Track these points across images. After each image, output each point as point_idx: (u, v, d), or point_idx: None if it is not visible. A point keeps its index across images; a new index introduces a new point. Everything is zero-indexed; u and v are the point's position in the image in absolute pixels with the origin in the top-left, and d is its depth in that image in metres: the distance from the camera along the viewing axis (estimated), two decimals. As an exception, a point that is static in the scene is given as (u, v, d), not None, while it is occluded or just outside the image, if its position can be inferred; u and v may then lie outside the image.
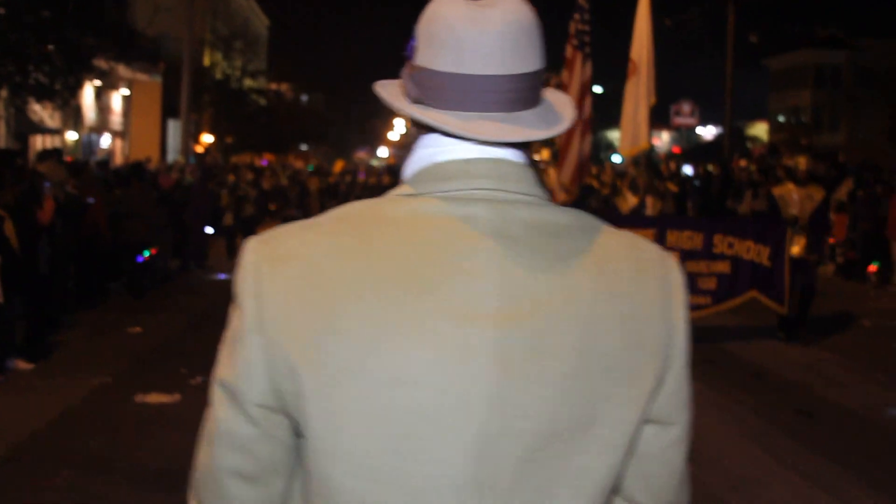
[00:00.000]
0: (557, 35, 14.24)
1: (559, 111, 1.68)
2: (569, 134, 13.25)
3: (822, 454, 7.72)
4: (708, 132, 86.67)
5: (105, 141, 36.56)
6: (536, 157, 26.80)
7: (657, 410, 1.65)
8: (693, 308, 11.00)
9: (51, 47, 18.84)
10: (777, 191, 12.71)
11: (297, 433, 1.57)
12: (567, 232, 1.60)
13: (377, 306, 1.49)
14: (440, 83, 1.59)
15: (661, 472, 1.71)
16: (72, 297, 13.93)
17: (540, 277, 1.55)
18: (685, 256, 11.72)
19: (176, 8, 32.40)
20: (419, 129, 1.66)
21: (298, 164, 55.38)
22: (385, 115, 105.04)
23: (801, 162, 13.07)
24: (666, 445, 1.70)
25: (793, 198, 12.27)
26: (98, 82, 30.45)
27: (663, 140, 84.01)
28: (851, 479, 7.10)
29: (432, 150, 1.63)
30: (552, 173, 13.92)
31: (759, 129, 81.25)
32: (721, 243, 11.92)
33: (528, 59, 1.60)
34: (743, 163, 33.53)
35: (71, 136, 31.35)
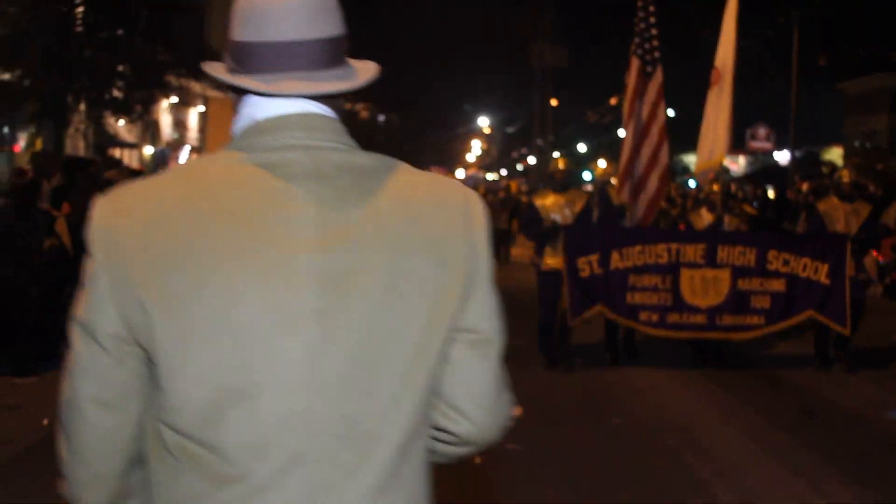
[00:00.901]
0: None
1: (359, 73, 1.96)
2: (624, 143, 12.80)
3: (813, 449, 8.21)
4: (784, 156, 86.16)
5: (183, 155, 37.72)
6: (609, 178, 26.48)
7: (467, 321, 1.89)
8: (746, 328, 11.34)
9: (122, 66, 19.78)
10: (822, 206, 12.18)
11: (149, 361, 1.78)
12: (374, 172, 1.87)
13: (211, 241, 1.74)
14: (248, 52, 1.86)
15: (475, 376, 1.93)
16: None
17: (352, 209, 1.81)
18: (737, 273, 11.31)
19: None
20: (238, 93, 1.93)
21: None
22: (464, 135, 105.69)
23: (845, 175, 12.63)
24: (477, 352, 1.92)
25: (838, 213, 11.81)
26: (175, 98, 31.52)
27: (740, 164, 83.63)
28: (834, 472, 7.58)
29: (251, 110, 1.90)
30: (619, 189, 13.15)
31: (835, 154, 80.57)
32: (776, 260, 11.35)
33: (324, 27, 1.88)
34: (805, 186, 33.53)
35: (148, 150, 32.47)
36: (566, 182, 11.85)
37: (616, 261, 11.24)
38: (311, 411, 1.76)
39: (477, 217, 1.93)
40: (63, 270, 10.21)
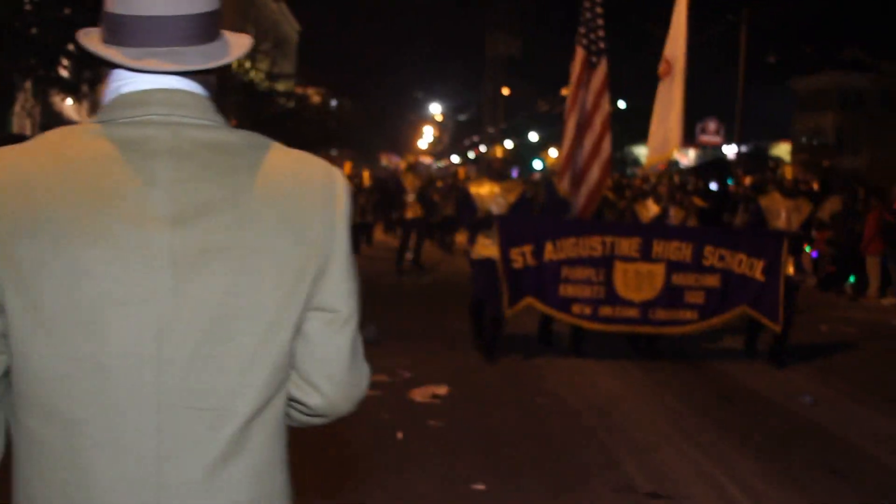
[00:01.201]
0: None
1: (230, 49, 1.98)
2: (569, 139, 12.41)
3: (725, 430, 8.55)
4: (732, 150, 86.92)
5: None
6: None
7: (322, 299, 1.93)
8: (679, 323, 11.28)
9: (69, 45, 19.79)
10: (764, 201, 12.00)
11: (2, 333, 1.80)
12: (236, 149, 1.88)
13: (65, 213, 1.76)
14: (118, 24, 1.86)
15: (329, 353, 1.97)
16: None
17: (209, 186, 1.83)
18: (672, 268, 11.21)
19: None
20: (108, 66, 1.92)
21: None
22: (415, 122, 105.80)
23: (788, 171, 12.45)
24: (331, 330, 1.96)
25: (779, 209, 11.65)
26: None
27: (689, 157, 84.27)
28: (742, 451, 7.92)
29: (118, 84, 1.91)
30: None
31: (783, 150, 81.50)
32: (712, 255, 11.25)
33: (194, 3, 1.89)
34: (748, 180, 33.96)
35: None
36: (503, 171, 11.78)
37: (549, 252, 11.10)
38: (160, 384, 1.80)
39: (338, 197, 1.96)
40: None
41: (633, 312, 11.18)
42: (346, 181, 2.01)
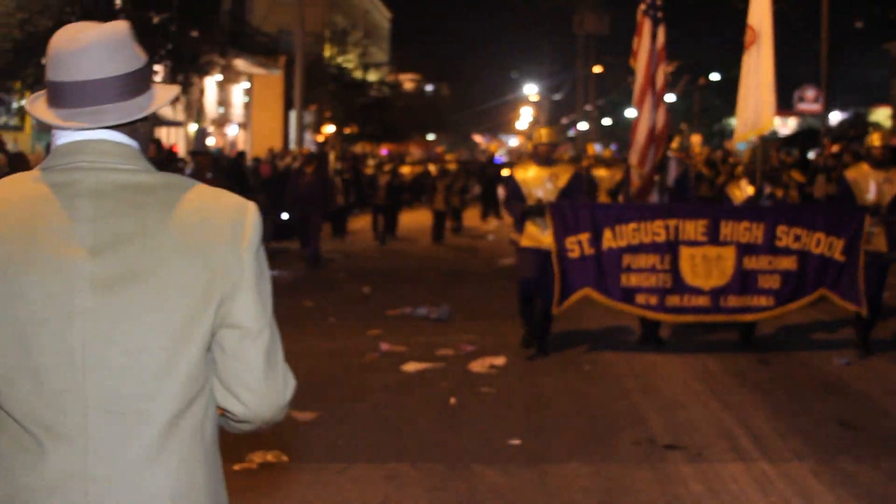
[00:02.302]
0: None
1: (154, 101, 2.30)
2: (637, 107, 11.70)
3: (753, 390, 9.31)
4: (834, 118, 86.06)
5: (231, 132, 38.95)
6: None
7: (233, 318, 2.22)
8: (753, 310, 10.72)
9: (161, 50, 20.94)
10: (850, 174, 11.18)
11: None
12: (151, 189, 2.21)
13: (6, 246, 2.13)
14: (53, 89, 2.23)
15: (244, 365, 2.25)
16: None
17: (124, 221, 2.16)
18: (743, 251, 10.57)
19: (294, 3, 34.29)
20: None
21: (416, 152, 57.69)
22: (512, 103, 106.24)
23: (876, 139, 11.24)
24: (244, 345, 2.24)
25: (868, 182, 10.78)
26: (219, 76, 32.70)
27: (790, 126, 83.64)
28: (763, 408, 8.68)
29: (58, 137, 2.27)
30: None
31: (882, 115, 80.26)
32: (786, 236, 10.57)
33: (118, 65, 2.21)
34: (835, 148, 33.84)
35: (193, 127, 33.74)
36: (550, 154, 11.06)
37: (609, 240, 10.54)
38: (86, 390, 2.13)
39: (247, 230, 2.25)
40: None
41: (702, 300, 10.63)
42: (257, 216, 2.31)
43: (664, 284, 10.60)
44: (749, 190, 11.60)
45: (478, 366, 10.20)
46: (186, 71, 21.92)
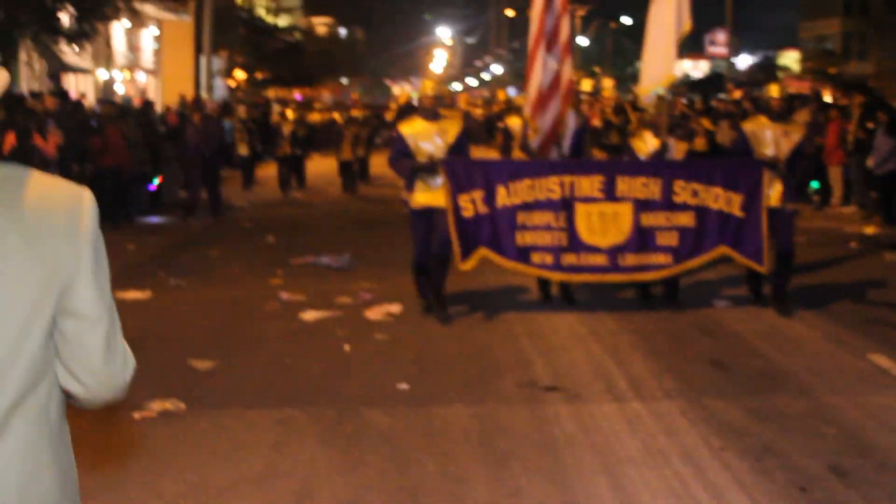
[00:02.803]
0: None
1: None
2: (530, 59, 11.16)
3: (633, 333, 9.83)
4: (743, 61, 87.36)
5: (140, 78, 38.73)
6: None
7: (72, 306, 2.24)
8: (652, 268, 10.51)
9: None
10: (748, 126, 11.04)
11: None
12: None
13: None
14: None
15: (84, 350, 2.28)
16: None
17: None
18: (640, 207, 10.37)
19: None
20: None
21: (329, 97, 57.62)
22: (427, 45, 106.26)
23: (774, 90, 11.30)
24: (83, 331, 2.27)
25: (766, 135, 10.65)
26: (127, 22, 32.52)
27: (701, 69, 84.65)
28: (642, 350, 9.19)
29: None
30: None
31: (790, 59, 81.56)
32: (683, 191, 10.37)
33: None
34: (738, 93, 34.52)
35: (102, 74, 33.54)
36: (435, 109, 10.57)
37: (503, 197, 10.28)
38: None
39: (83, 219, 2.27)
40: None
41: (600, 259, 10.41)
42: (93, 203, 2.33)
43: (560, 243, 10.34)
44: (654, 143, 11.10)
45: (374, 313, 10.58)
46: (90, 18, 21.88)
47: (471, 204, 10.23)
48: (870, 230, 17.17)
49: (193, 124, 18.83)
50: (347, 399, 7.76)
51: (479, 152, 28.75)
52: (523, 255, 10.42)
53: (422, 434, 7.00)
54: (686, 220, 10.42)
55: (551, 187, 10.33)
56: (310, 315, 10.51)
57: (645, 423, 7.24)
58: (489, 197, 10.26)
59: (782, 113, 11.05)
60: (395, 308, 10.76)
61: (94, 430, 6.94)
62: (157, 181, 19.14)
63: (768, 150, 10.57)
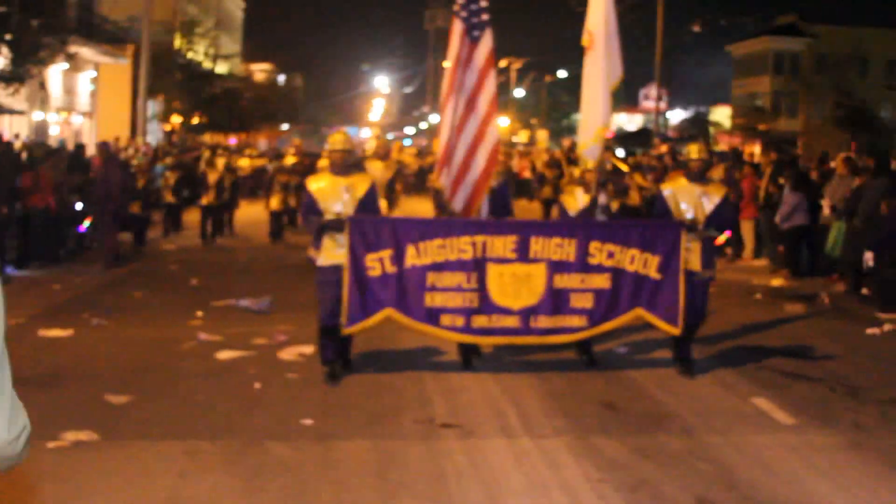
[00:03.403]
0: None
1: None
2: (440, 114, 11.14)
3: (531, 374, 10.33)
4: (677, 116, 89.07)
5: (76, 121, 38.90)
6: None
7: None
8: (565, 331, 10.30)
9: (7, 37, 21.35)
10: (667, 188, 10.95)
11: None
12: None
13: None
14: None
15: None
16: (9, 259, 16.57)
17: None
18: (554, 269, 10.14)
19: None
20: None
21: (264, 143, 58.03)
22: (366, 94, 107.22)
23: (693, 151, 11.01)
24: None
25: (685, 196, 10.62)
26: (65, 65, 32.79)
27: (636, 123, 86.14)
28: (539, 391, 9.71)
29: None
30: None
31: (721, 114, 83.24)
32: (599, 252, 10.18)
33: None
34: (664, 148, 35.25)
35: (37, 115, 33.74)
36: (345, 162, 10.17)
37: (412, 257, 9.97)
38: None
39: None
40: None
41: (511, 321, 10.15)
42: None
43: (471, 304, 10.06)
44: (584, 199, 10.97)
45: (287, 354, 11.03)
46: (25, 62, 22.23)
47: (378, 263, 9.92)
48: (776, 282, 17.82)
49: (97, 169, 18.54)
50: (253, 432, 8.19)
51: (412, 203, 29.56)
52: (432, 316, 10.06)
53: (321, 465, 7.45)
54: (601, 281, 10.23)
55: (463, 247, 10.05)
56: (225, 354, 10.93)
57: (531, 457, 7.75)
58: (398, 256, 9.96)
59: (701, 173, 10.88)
60: (308, 349, 11.16)
61: (8, 457, 7.33)
62: (86, 223, 19.38)
63: (688, 213, 10.49)
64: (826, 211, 18.54)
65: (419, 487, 7.01)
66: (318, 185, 10.18)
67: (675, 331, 10.36)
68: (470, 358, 10.76)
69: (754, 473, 7.50)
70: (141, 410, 8.78)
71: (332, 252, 9.97)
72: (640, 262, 10.25)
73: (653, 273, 10.26)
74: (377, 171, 15.91)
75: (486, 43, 10.84)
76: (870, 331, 13.36)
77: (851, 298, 16.05)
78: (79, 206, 19.20)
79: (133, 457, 7.51)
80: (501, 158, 12.31)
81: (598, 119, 11.01)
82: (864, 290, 16.19)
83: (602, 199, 10.96)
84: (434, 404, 9.21)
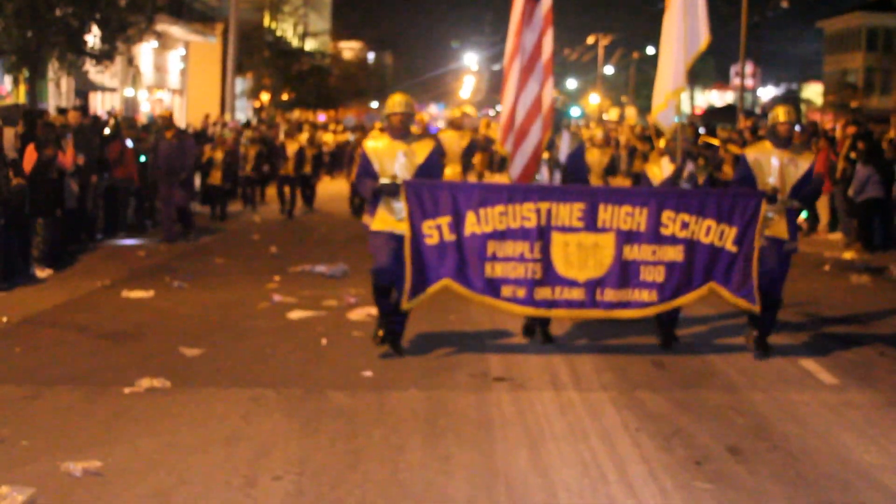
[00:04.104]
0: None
1: None
2: (504, 79, 10.46)
3: (590, 337, 10.73)
4: (768, 93, 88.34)
5: (165, 98, 39.91)
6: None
7: None
8: (634, 306, 9.77)
9: (96, 17, 22.19)
10: (751, 153, 10.21)
11: None
12: None
13: None
14: None
15: None
16: (98, 227, 17.34)
17: None
18: (623, 239, 9.60)
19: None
20: None
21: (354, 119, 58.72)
22: (455, 71, 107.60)
23: (781, 114, 10.07)
24: None
25: (771, 163, 9.93)
26: (154, 43, 33.72)
27: (727, 100, 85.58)
28: (592, 349, 10.10)
29: None
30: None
31: (812, 91, 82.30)
32: (672, 223, 9.61)
33: None
34: (746, 123, 35.02)
35: (128, 92, 34.73)
36: (406, 126, 9.75)
37: (472, 224, 9.50)
38: None
39: None
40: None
41: (577, 294, 9.65)
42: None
43: (534, 275, 9.58)
44: (669, 169, 10.50)
45: (355, 315, 11.56)
46: (114, 40, 23.02)
47: (436, 231, 9.47)
48: (848, 255, 17.93)
49: (166, 141, 18.36)
50: (316, 382, 8.72)
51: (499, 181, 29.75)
52: (492, 287, 9.60)
53: (375, 412, 7.94)
54: (674, 254, 9.66)
55: (526, 215, 9.55)
56: (296, 314, 11.50)
57: (576, 408, 8.15)
58: (456, 223, 9.49)
59: (789, 138, 10.10)
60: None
61: (85, 400, 7.98)
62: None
63: (772, 180, 9.88)
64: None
65: (464, 432, 7.46)
66: (374, 145, 9.80)
67: (755, 308, 9.73)
68: (534, 328, 10.43)
69: (788, 426, 7.82)
70: (212, 361, 9.37)
71: (386, 218, 9.60)
72: (717, 234, 9.65)
73: (729, 245, 9.68)
74: (451, 141, 15.91)
75: (547, 2, 10.20)
76: (934, 301, 13.52)
77: (921, 271, 16.14)
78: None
79: (201, 401, 8.07)
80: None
81: (670, 82, 10.50)
82: (936, 263, 16.29)
83: (689, 167, 10.46)
84: (489, 360, 9.65)
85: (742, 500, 6.29)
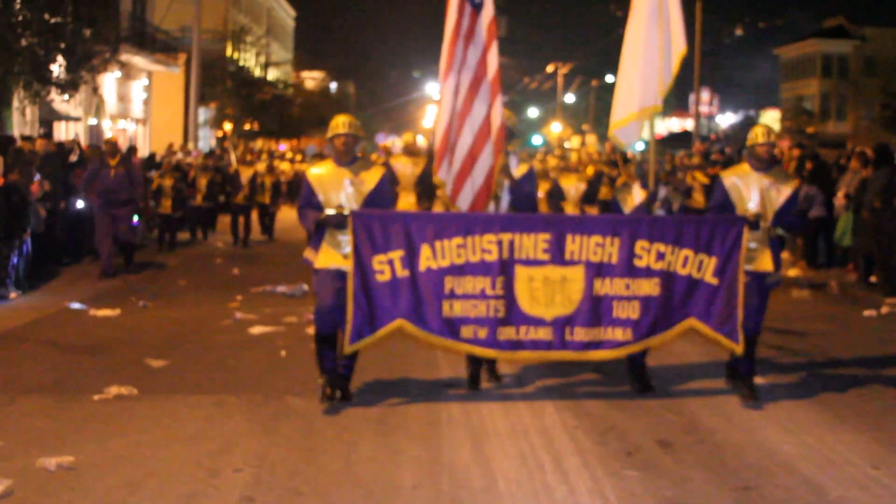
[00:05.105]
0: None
1: None
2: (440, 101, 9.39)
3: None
4: (727, 119, 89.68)
5: (129, 127, 40.29)
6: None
7: None
8: (607, 346, 8.88)
9: (61, 47, 22.70)
10: (728, 175, 9.40)
11: None
12: None
13: None
14: None
15: None
16: (65, 252, 17.80)
17: None
18: (594, 273, 8.76)
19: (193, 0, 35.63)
20: None
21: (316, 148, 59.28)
22: (417, 100, 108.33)
23: (760, 135, 9.19)
24: None
25: (750, 187, 9.15)
26: (118, 73, 34.16)
27: (686, 127, 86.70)
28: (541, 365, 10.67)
29: None
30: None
31: (771, 118, 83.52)
32: (647, 253, 8.80)
33: None
34: (699, 148, 35.77)
35: (92, 122, 35.12)
36: (352, 150, 8.79)
37: (427, 259, 8.64)
38: None
39: None
40: None
41: (543, 333, 8.78)
42: None
43: (496, 313, 8.72)
44: (641, 196, 10.06)
45: (314, 329, 12.01)
46: (78, 69, 23.53)
47: (387, 266, 8.60)
48: (792, 273, 18.54)
49: (108, 169, 17.05)
50: (275, 389, 9.26)
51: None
52: (451, 328, 8.70)
53: (328, 417, 8.45)
54: (649, 287, 8.85)
55: (486, 247, 8.69)
56: (257, 330, 12.05)
57: (519, 409, 8.72)
58: (410, 258, 8.63)
59: (770, 161, 9.26)
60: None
61: (57, 406, 8.50)
62: (136, 218, 20.67)
63: (752, 206, 9.10)
64: (839, 203, 19.22)
65: (414, 429, 8.04)
66: (318, 172, 8.91)
67: (737, 347, 8.94)
68: (479, 376, 9.47)
69: (714, 422, 8.43)
70: (177, 372, 9.91)
71: (332, 254, 8.73)
72: (695, 265, 8.83)
73: (709, 277, 8.85)
74: (404, 167, 15.26)
75: (488, 11, 9.17)
76: (867, 313, 14.17)
77: (860, 286, 16.83)
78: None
79: (166, 406, 8.59)
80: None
81: (635, 99, 9.75)
82: (873, 278, 16.92)
83: (662, 192, 10.05)
84: (441, 368, 10.21)
85: (667, 485, 6.87)
